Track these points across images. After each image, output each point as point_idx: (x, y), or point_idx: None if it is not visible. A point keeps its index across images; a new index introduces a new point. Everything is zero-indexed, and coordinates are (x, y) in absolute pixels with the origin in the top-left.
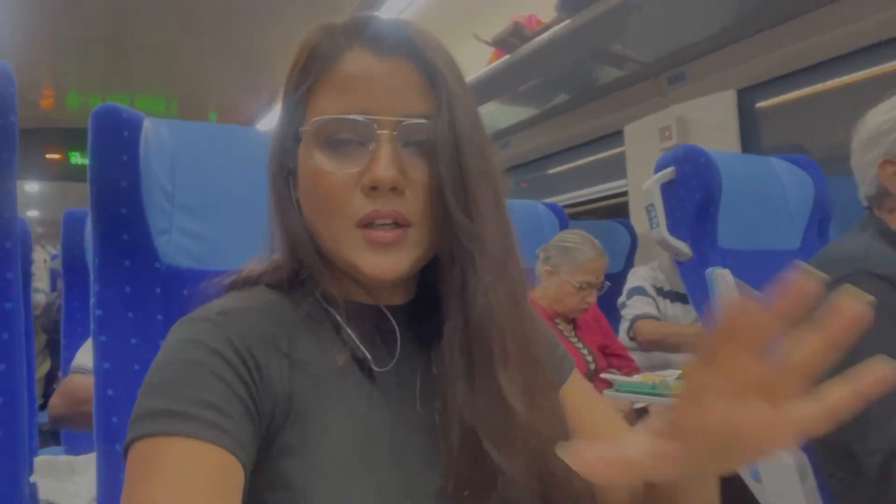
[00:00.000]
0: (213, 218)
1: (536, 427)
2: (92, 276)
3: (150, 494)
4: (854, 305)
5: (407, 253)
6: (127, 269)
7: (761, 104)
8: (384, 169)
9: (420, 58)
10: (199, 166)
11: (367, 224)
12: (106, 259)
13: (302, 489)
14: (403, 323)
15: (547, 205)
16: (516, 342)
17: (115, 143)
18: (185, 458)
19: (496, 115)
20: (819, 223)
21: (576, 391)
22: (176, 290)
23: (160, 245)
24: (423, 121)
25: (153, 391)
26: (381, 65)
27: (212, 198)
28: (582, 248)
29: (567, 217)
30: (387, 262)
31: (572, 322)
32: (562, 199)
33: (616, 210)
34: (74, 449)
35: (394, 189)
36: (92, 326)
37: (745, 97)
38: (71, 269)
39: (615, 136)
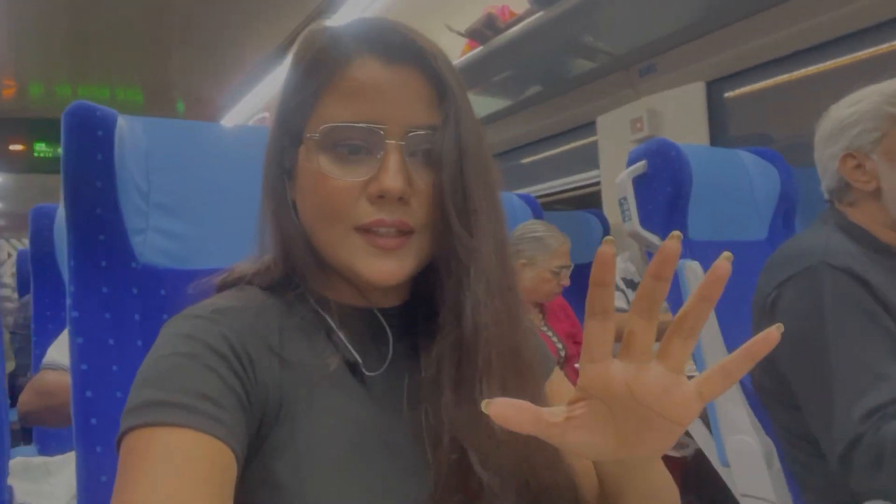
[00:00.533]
0: (189, 217)
1: (516, 444)
2: (67, 277)
3: (144, 483)
4: (723, 263)
5: (409, 258)
6: (103, 269)
7: (729, 95)
8: (392, 179)
9: (429, 68)
10: (174, 164)
11: (368, 229)
12: (82, 260)
13: (290, 489)
14: (396, 326)
15: (520, 196)
16: (504, 356)
17: (90, 143)
18: (180, 448)
19: None
20: (785, 214)
21: (554, 391)
22: (153, 290)
23: (136, 245)
24: (430, 132)
25: (147, 383)
26: (390, 73)
27: (188, 196)
28: (551, 234)
29: (541, 208)
30: (389, 267)
31: (541, 310)
32: (535, 189)
33: (587, 198)
34: (47, 447)
35: (400, 199)
36: (69, 328)
37: (714, 89)
38: (40, 267)
39: (588, 128)
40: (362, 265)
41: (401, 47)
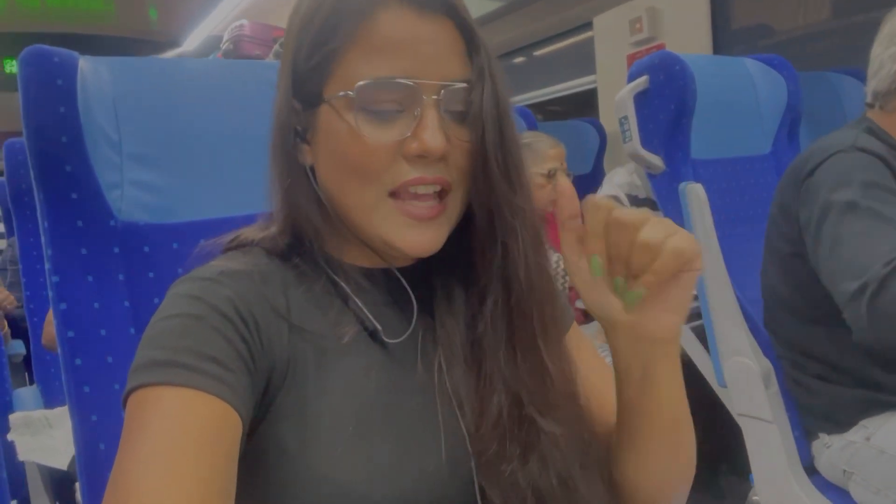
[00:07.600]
0: (167, 166)
1: (573, 392)
2: (43, 240)
3: (149, 442)
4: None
5: (446, 225)
6: (80, 230)
7: None
8: (433, 138)
9: (459, 18)
10: (146, 109)
11: (401, 194)
12: (56, 221)
13: (295, 456)
14: (414, 286)
15: (515, 108)
16: (550, 312)
17: (50, 95)
18: (186, 408)
19: None
20: (790, 125)
21: (572, 345)
22: (136, 248)
23: (113, 201)
24: (464, 85)
25: (153, 343)
26: (423, 25)
27: (164, 143)
28: (538, 139)
29: (535, 121)
30: (426, 238)
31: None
32: (528, 96)
33: (583, 104)
34: (49, 387)
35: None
36: (50, 294)
37: None
38: (20, 204)
39: (584, 29)
40: (395, 235)
41: None
